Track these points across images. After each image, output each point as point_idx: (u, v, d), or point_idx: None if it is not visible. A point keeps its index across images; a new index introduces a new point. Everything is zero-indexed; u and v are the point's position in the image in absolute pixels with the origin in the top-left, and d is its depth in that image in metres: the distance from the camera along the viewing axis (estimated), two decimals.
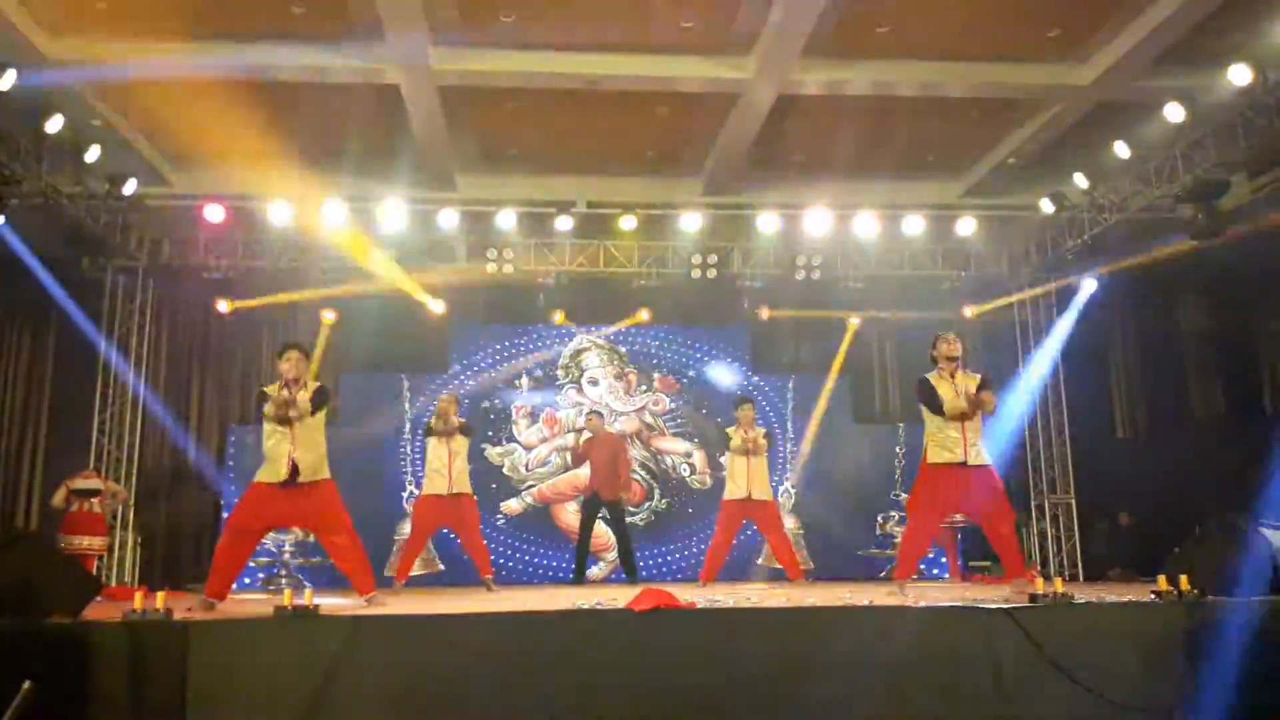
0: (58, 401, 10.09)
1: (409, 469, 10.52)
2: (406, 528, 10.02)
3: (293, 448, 5.69)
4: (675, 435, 11.07)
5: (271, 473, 5.73)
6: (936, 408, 5.92)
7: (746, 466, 8.12)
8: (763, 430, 8.37)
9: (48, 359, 10.22)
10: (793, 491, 10.82)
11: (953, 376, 6.00)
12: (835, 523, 10.63)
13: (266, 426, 5.79)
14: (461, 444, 7.83)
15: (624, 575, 9.15)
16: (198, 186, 9.65)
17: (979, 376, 6.09)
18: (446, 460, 7.74)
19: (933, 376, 6.04)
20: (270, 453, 5.75)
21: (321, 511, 5.82)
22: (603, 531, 9.79)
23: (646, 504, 10.81)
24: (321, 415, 5.93)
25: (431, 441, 7.81)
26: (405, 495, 10.45)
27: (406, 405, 10.65)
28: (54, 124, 7.71)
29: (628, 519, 9.65)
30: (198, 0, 7.14)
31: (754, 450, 8.15)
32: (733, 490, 8.18)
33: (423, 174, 9.71)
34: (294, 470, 5.68)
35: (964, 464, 5.88)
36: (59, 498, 8.35)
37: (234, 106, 8.38)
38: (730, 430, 8.35)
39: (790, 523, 10.54)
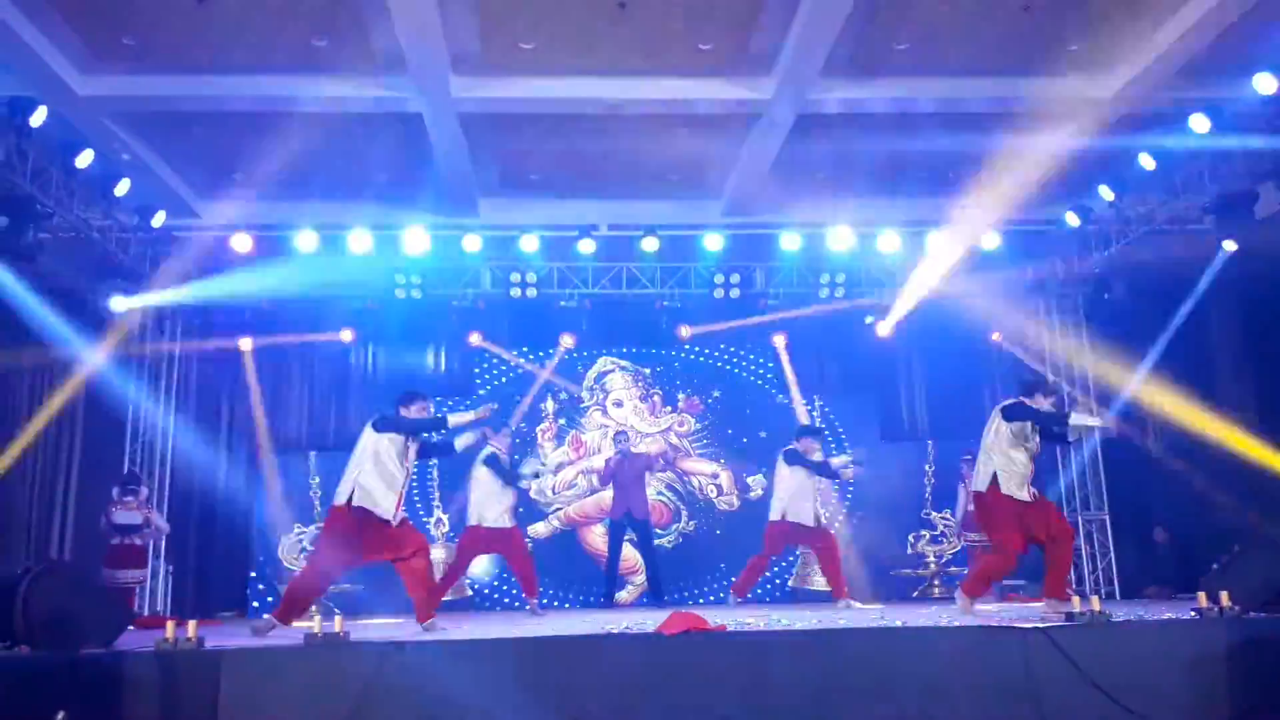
0: (90, 433, 10.19)
1: (436, 494, 10.52)
2: (436, 553, 10.03)
3: (399, 492, 5.76)
4: (701, 456, 11.03)
5: (374, 504, 5.69)
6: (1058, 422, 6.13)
7: (814, 493, 8.26)
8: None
9: (79, 390, 10.32)
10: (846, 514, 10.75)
11: None
12: (866, 542, 10.54)
13: (392, 464, 5.77)
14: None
15: (649, 597, 9.10)
16: (225, 218, 9.77)
17: None
18: (510, 495, 7.85)
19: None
20: (373, 485, 5.70)
21: (408, 540, 5.86)
22: (630, 554, 9.76)
23: (673, 526, 10.76)
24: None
25: (486, 473, 7.83)
26: (433, 520, 10.45)
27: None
28: (84, 158, 7.85)
29: (655, 540, 9.63)
30: (222, 35, 7.26)
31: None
32: (798, 513, 8.17)
33: (446, 200, 9.78)
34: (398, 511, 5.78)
35: (1032, 502, 6.06)
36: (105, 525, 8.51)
37: (260, 138, 8.51)
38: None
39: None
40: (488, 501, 7.74)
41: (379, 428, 5.81)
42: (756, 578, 8.61)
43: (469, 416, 6.14)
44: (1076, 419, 6.21)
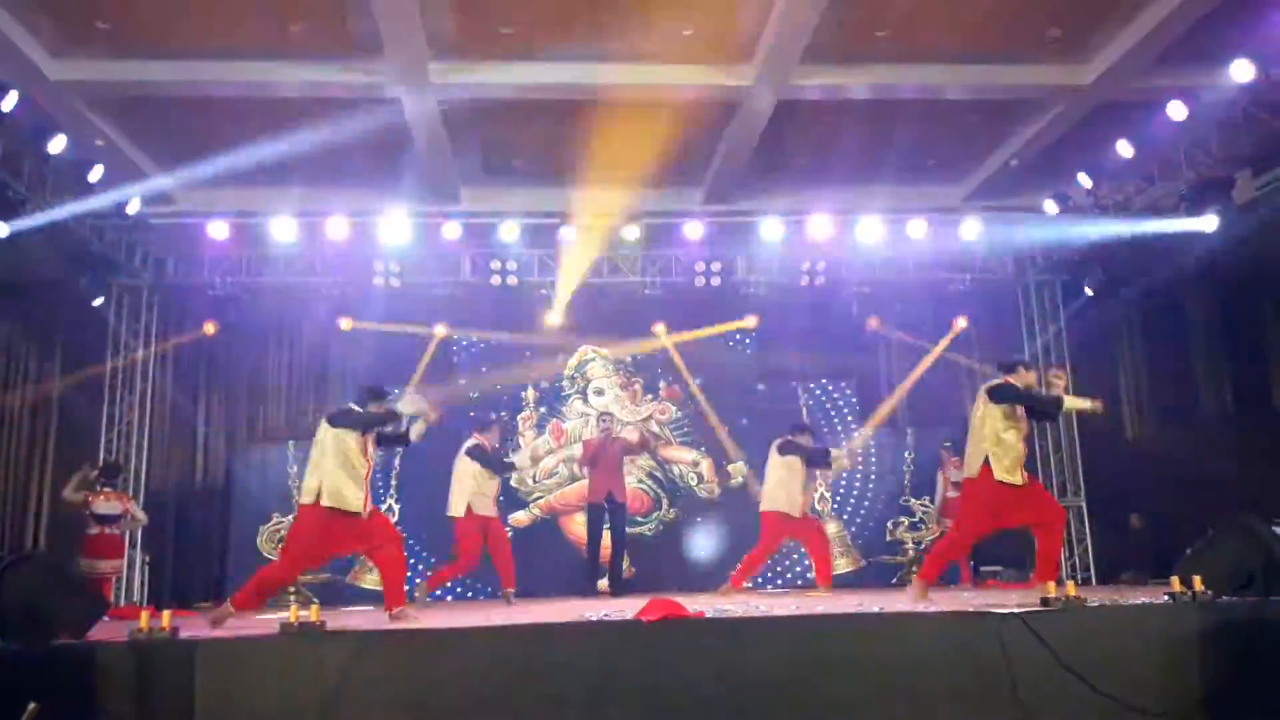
0: (65, 422, 10.09)
1: (392, 483, 10.40)
2: None
3: (365, 485, 5.70)
4: (682, 444, 11.02)
5: (343, 502, 5.59)
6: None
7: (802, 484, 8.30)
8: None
9: (54, 379, 10.21)
10: (829, 498, 10.79)
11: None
12: (846, 529, 10.59)
13: (355, 458, 5.67)
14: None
15: (612, 586, 9.06)
16: (201, 204, 9.67)
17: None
18: (494, 485, 8.15)
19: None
20: (340, 483, 5.60)
21: (380, 530, 5.87)
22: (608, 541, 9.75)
23: (654, 514, 10.75)
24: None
25: (476, 466, 7.95)
26: (384, 508, 10.29)
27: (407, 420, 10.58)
28: (57, 144, 7.73)
29: (634, 529, 9.66)
30: (197, 18, 7.16)
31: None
32: (775, 500, 8.22)
33: (426, 187, 9.71)
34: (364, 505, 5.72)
35: (1025, 486, 5.93)
36: (72, 491, 8.30)
37: (236, 124, 8.41)
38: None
39: (833, 528, 10.49)
40: (477, 491, 7.89)
41: (335, 423, 5.73)
42: (754, 570, 8.63)
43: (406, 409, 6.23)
44: (1070, 402, 6.24)
